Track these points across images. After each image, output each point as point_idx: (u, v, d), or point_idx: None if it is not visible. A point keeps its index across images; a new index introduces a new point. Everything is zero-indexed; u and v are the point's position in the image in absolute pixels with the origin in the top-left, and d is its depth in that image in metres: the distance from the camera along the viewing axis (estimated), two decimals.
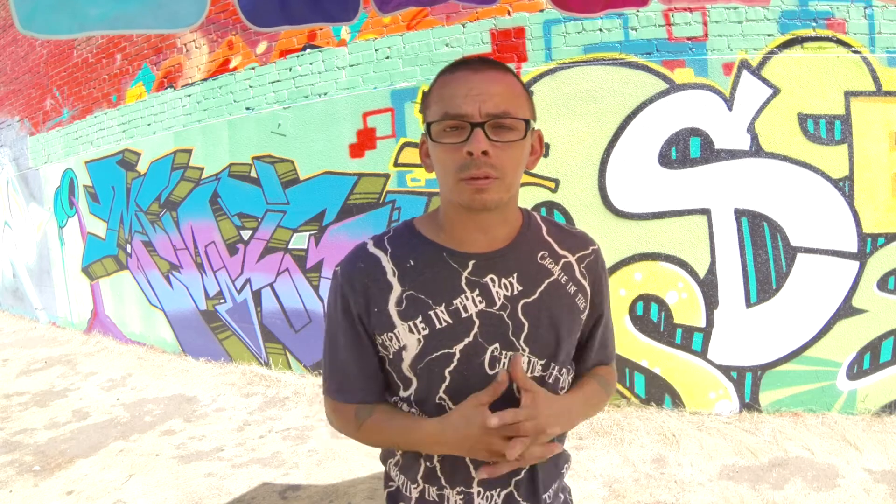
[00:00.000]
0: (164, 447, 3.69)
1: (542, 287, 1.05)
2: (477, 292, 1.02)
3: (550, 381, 1.07)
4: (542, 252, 1.08)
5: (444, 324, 1.01)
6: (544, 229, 1.12)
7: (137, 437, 3.88)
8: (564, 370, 1.10)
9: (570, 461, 1.21)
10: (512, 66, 3.72)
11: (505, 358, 1.02)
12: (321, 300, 4.61)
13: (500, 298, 1.02)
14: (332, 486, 3.10)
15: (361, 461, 3.32)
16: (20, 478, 3.38)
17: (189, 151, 5.25)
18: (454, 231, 1.04)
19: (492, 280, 1.03)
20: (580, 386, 1.14)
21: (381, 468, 3.37)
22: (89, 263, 6.66)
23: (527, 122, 0.97)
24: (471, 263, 1.03)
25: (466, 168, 0.94)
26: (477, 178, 0.94)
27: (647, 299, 3.63)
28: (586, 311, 1.11)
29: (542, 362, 1.05)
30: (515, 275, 1.04)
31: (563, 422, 1.02)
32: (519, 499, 1.08)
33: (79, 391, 4.94)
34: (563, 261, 1.09)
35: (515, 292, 1.03)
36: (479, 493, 1.06)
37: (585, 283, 1.10)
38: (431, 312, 1.01)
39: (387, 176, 4.22)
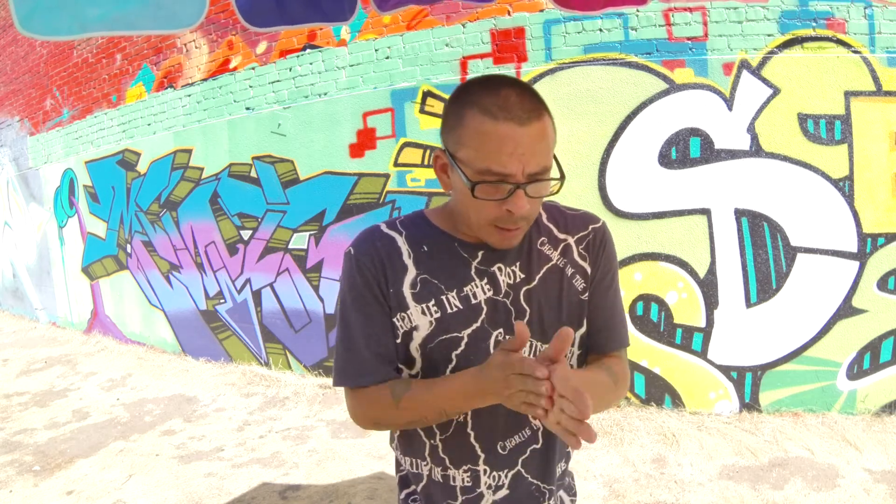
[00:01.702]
0: (164, 447, 3.69)
1: (541, 273, 1.09)
2: (485, 280, 1.06)
3: None
4: (542, 238, 1.11)
5: (455, 309, 1.05)
6: (545, 215, 1.14)
7: (137, 437, 3.88)
8: (572, 350, 1.12)
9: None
10: (512, 66, 3.72)
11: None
12: (321, 300, 4.61)
13: (504, 286, 1.07)
14: (332, 486, 3.10)
15: (361, 461, 3.33)
16: (20, 478, 3.38)
17: (189, 151, 5.25)
18: (465, 229, 1.08)
19: (498, 269, 1.07)
20: (586, 371, 1.12)
21: (380, 468, 3.37)
22: (89, 263, 6.66)
23: (561, 182, 1.00)
24: (480, 254, 1.07)
25: (502, 220, 0.98)
26: (511, 230, 0.99)
27: (647, 299, 3.63)
28: (587, 293, 1.12)
29: (546, 346, 1.06)
30: (518, 263, 1.08)
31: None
32: (527, 476, 1.10)
33: (79, 391, 4.94)
34: (562, 245, 1.12)
35: (518, 280, 1.07)
36: (485, 471, 1.08)
37: (585, 264, 1.12)
38: (444, 297, 1.05)
39: (387, 176, 4.22)
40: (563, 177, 0.99)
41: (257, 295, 4.97)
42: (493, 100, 0.94)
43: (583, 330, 1.13)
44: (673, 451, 3.20)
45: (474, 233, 1.04)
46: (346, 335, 1.08)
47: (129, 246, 6.04)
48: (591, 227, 1.14)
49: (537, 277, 1.08)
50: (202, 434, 3.87)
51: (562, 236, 1.12)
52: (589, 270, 1.12)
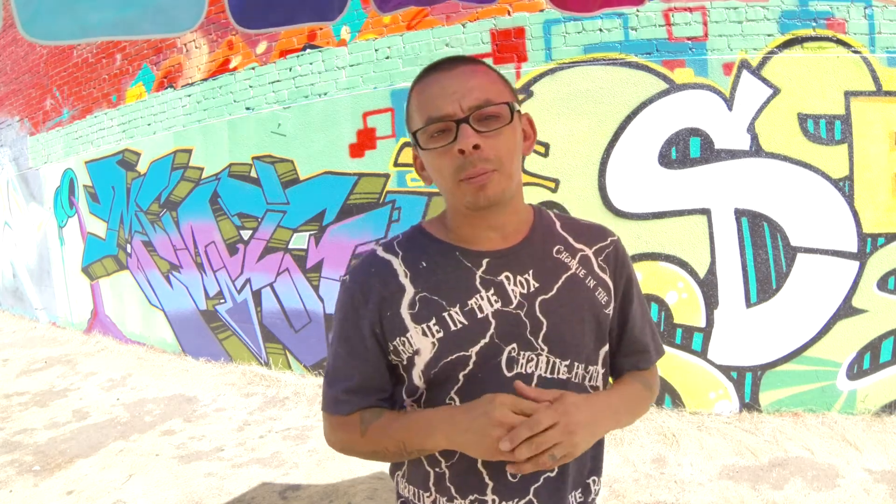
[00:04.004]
0: (164, 447, 3.69)
1: (560, 282, 1.01)
2: (492, 291, 0.99)
3: (577, 381, 1.02)
4: (558, 246, 1.05)
5: (459, 325, 0.97)
6: (558, 224, 1.09)
7: (137, 437, 3.88)
8: (592, 369, 1.04)
9: (600, 475, 1.13)
10: (512, 66, 3.72)
11: (524, 359, 0.98)
12: (321, 300, 4.61)
13: (516, 297, 0.99)
14: (332, 485, 3.10)
15: (361, 461, 3.32)
16: (20, 478, 3.39)
17: (189, 151, 5.25)
18: (464, 231, 1.02)
19: (507, 278, 1.00)
20: (618, 384, 1.09)
21: (380, 468, 3.37)
22: (89, 263, 6.66)
23: (510, 105, 0.95)
24: (484, 262, 1.00)
25: (462, 168, 0.92)
26: (475, 175, 0.92)
27: (647, 299, 3.62)
28: (610, 307, 1.06)
29: (566, 363, 1.00)
30: (531, 271, 1.01)
31: (593, 428, 0.94)
32: None
33: (79, 391, 4.94)
34: (580, 254, 1.05)
35: (532, 289, 1.00)
36: (493, 501, 0.99)
37: (606, 277, 1.06)
38: (445, 314, 0.98)
39: (387, 176, 4.22)
40: (510, 103, 0.96)
41: (257, 295, 4.97)
42: (426, 68, 1.00)
43: (606, 346, 1.07)
44: (673, 451, 3.21)
45: (456, 204, 0.99)
46: (330, 363, 1.06)
47: (129, 246, 6.04)
48: (609, 238, 1.09)
49: (555, 287, 1.00)
50: (202, 434, 3.87)
51: (579, 246, 1.06)
52: (611, 284, 1.06)
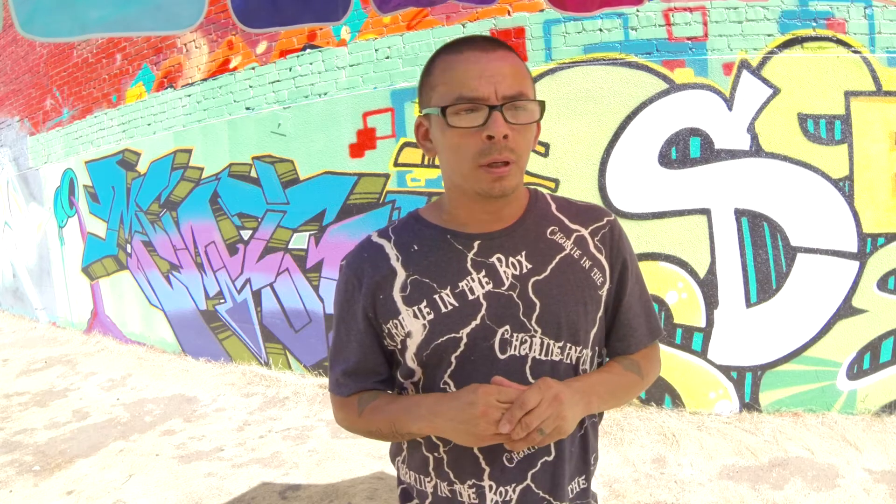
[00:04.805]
0: (164, 447, 3.69)
1: (554, 263, 1.01)
2: (483, 273, 0.99)
3: (569, 362, 1.02)
4: (552, 227, 1.04)
5: (450, 307, 0.98)
6: (553, 206, 1.08)
7: (137, 437, 3.88)
8: (587, 352, 1.04)
9: (598, 455, 1.15)
10: None
11: (517, 341, 0.98)
12: (321, 300, 4.61)
13: (508, 278, 0.99)
14: (332, 485, 3.10)
15: (361, 461, 3.33)
16: (20, 478, 3.39)
17: (189, 151, 5.25)
18: (459, 213, 1.02)
19: (498, 259, 1.00)
20: (600, 369, 1.09)
21: (380, 468, 3.39)
22: (89, 263, 6.66)
23: (541, 105, 0.96)
24: (476, 244, 1.01)
25: (486, 153, 0.92)
26: (497, 164, 0.92)
27: None
28: (605, 287, 1.05)
29: (560, 344, 1.00)
30: (524, 252, 1.01)
31: (574, 403, 0.93)
32: (538, 491, 1.02)
33: (79, 391, 4.94)
34: (575, 235, 1.05)
35: (524, 271, 1.00)
36: (490, 487, 1.01)
37: (601, 258, 1.05)
38: (436, 296, 0.99)
39: (387, 176, 4.22)
40: (541, 102, 0.96)
41: (257, 295, 4.97)
42: (457, 41, 0.97)
43: (597, 328, 1.06)
44: (673, 451, 3.20)
45: (465, 186, 0.97)
46: (332, 348, 1.11)
47: (129, 246, 6.04)
48: (605, 218, 1.08)
49: (549, 268, 1.01)
50: (202, 434, 3.87)
51: (574, 227, 1.05)
52: (606, 265, 1.05)
